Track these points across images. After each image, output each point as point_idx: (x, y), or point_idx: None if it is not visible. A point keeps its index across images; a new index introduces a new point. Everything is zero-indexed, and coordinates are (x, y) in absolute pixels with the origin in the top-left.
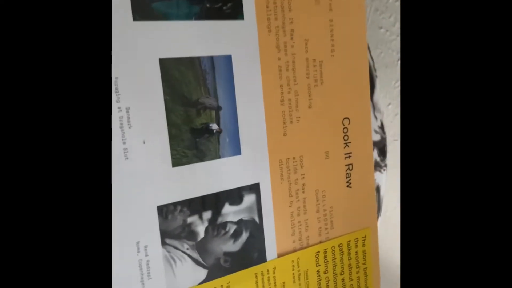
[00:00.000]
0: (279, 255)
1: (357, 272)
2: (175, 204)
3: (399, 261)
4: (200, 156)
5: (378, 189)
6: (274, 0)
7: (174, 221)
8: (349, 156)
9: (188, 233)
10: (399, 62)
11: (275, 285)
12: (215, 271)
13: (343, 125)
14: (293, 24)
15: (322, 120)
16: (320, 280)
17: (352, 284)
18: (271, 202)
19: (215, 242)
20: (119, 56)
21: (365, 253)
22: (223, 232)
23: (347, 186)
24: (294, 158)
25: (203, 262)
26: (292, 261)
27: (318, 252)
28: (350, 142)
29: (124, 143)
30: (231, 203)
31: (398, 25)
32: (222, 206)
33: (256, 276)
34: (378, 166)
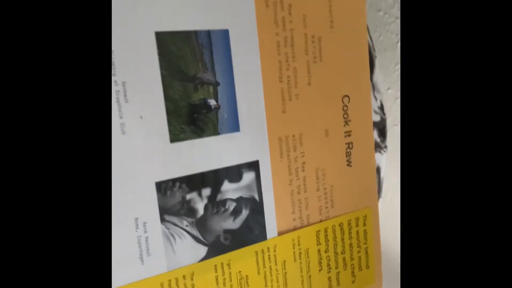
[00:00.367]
0: (280, 233)
1: (358, 252)
2: (173, 181)
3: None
4: (198, 132)
5: (378, 170)
6: None
7: (173, 197)
8: (349, 135)
9: (187, 210)
10: (399, 44)
11: (275, 263)
12: (215, 249)
13: (343, 103)
14: None
15: (322, 98)
16: (321, 259)
17: (353, 264)
18: (271, 180)
19: (214, 219)
20: (114, 29)
21: (366, 233)
22: (222, 209)
23: (347, 165)
24: (293, 136)
25: (203, 239)
26: (293, 239)
27: (319, 230)
28: (350, 120)
29: (121, 117)
30: (230, 180)
31: (397, 6)
32: (221, 183)
33: (257, 254)
34: (378, 147)
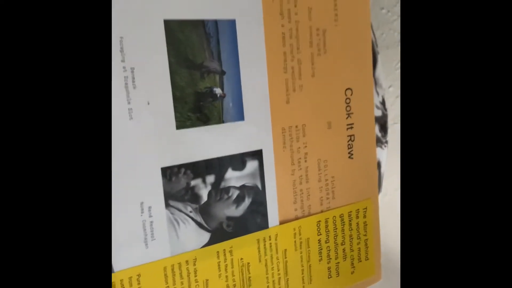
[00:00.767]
0: (281, 222)
1: (358, 243)
2: (179, 167)
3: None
4: (203, 119)
5: (379, 165)
6: None
7: (177, 183)
8: (351, 127)
9: (191, 196)
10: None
11: (276, 251)
12: (218, 235)
13: (346, 95)
14: None
15: (325, 90)
16: (321, 249)
17: (352, 255)
18: (274, 169)
19: (218, 206)
20: (124, 16)
21: (366, 224)
22: (226, 196)
23: (349, 157)
24: (296, 127)
25: (206, 226)
26: (294, 228)
27: (320, 221)
28: (352, 113)
29: (128, 103)
30: (234, 168)
31: (399, 5)
32: (225, 170)
33: (258, 242)
34: (379, 142)
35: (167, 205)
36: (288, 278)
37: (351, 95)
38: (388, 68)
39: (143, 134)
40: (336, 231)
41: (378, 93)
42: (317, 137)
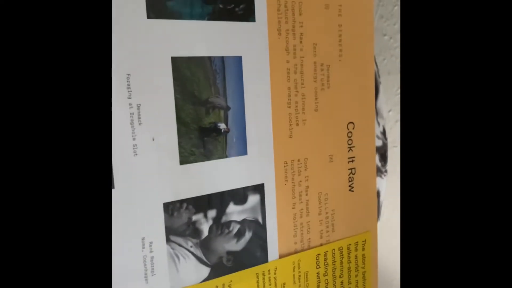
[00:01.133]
0: (281, 256)
1: (356, 276)
2: (181, 202)
3: (396, 264)
4: (207, 154)
5: (378, 194)
6: (285, 4)
7: (179, 218)
8: (353, 161)
9: (192, 230)
10: None
11: (275, 285)
12: (217, 270)
13: (348, 129)
14: (302, 27)
15: (328, 124)
16: (319, 282)
17: (350, 287)
18: (275, 203)
19: (218, 240)
20: (132, 53)
21: (364, 257)
22: (226, 231)
23: (349, 190)
24: (298, 160)
25: (206, 260)
26: (293, 262)
27: (319, 254)
28: (354, 147)
29: (134, 139)
30: (236, 203)
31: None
32: (226, 205)
33: (257, 276)
34: (379, 171)
35: (168, 240)
36: None
37: (353, 128)
38: (389, 93)
39: (147, 170)
40: (335, 264)
41: (379, 123)
42: (318, 170)
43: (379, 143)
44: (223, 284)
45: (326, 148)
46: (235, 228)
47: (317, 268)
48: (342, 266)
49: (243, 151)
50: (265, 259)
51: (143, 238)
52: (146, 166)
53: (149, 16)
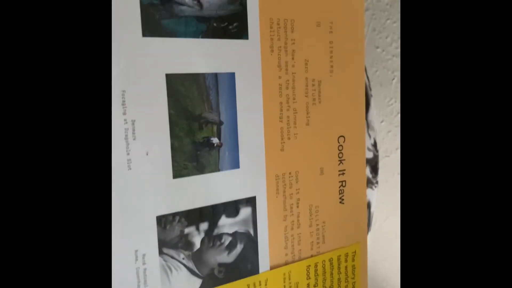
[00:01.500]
0: (272, 268)
1: (346, 286)
2: (173, 215)
3: (387, 272)
4: (200, 168)
5: (368, 205)
6: (278, 21)
7: (172, 231)
8: (343, 173)
9: (184, 243)
10: (394, 81)
11: None
12: (209, 281)
13: (339, 142)
14: (295, 44)
15: (319, 138)
16: None
17: None
18: (266, 215)
19: (210, 253)
20: (127, 70)
21: (354, 268)
22: (218, 243)
23: (340, 202)
24: (290, 173)
25: (198, 272)
26: (284, 273)
27: (309, 265)
28: (344, 160)
29: (128, 154)
30: (228, 215)
31: (394, 45)
32: (218, 218)
33: (249, 287)
34: (370, 183)
35: (161, 252)
36: None
37: (344, 142)
38: (380, 104)
39: (141, 184)
40: (325, 275)
41: (370, 136)
42: (309, 183)
43: (369, 155)
44: None
45: (317, 161)
46: (226, 240)
47: (307, 279)
48: (332, 277)
49: (236, 165)
50: (256, 271)
51: (136, 251)
52: (140, 180)
53: (144, 34)
